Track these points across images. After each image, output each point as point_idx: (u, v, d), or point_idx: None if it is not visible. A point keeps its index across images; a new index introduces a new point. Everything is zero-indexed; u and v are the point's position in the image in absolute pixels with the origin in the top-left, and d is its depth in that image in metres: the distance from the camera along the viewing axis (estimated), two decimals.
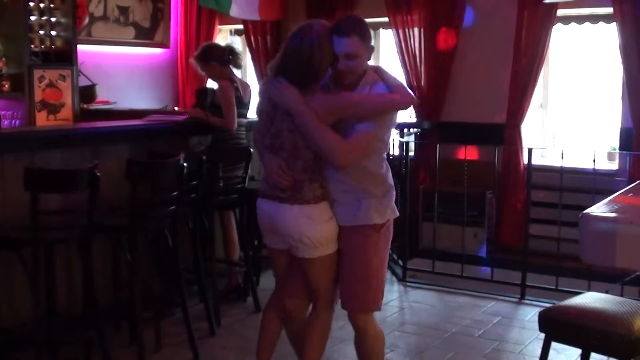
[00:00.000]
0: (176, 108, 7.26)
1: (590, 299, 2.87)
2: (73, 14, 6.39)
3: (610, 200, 2.58)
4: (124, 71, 7.40)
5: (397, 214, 3.08)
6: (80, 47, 6.51)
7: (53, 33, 6.29)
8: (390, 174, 3.05)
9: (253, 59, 7.56)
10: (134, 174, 3.55)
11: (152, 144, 4.32)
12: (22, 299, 3.61)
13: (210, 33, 7.76)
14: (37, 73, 6.13)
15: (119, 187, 3.66)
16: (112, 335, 3.95)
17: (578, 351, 3.18)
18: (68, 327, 3.86)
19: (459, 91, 6.43)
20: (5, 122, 5.87)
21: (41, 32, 6.22)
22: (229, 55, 4.71)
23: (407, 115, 6.94)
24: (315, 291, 3.05)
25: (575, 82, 6.54)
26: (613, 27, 5.69)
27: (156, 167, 3.77)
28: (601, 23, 5.96)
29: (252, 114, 4.57)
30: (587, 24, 6.07)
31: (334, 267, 3.02)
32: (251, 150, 4.48)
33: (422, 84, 6.49)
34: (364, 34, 2.86)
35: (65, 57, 6.33)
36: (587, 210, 2.37)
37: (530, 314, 4.62)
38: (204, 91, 4.96)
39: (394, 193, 3.07)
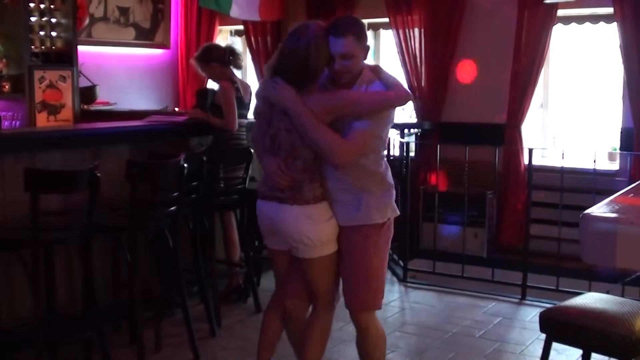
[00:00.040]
0: (176, 109, 7.26)
1: (591, 299, 2.87)
2: (73, 14, 6.39)
3: (610, 201, 2.58)
4: (124, 72, 7.41)
5: (398, 212, 3.08)
6: (80, 48, 6.51)
7: (53, 34, 6.29)
8: (389, 173, 3.05)
9: (253, 59, 7.57)
10: (134, 174, 3.55)
11: (152, 145, 4.32)
12: (22, 299, 3.61)
13: (210, 34, 7.76)
14: (38, 74, 6.13)
15: (119, 188, 3.66)
16: (112, 335, 3.95)
17: (579, 351, 3.18)
18: (68, 327, 3.86)
19: (459, 91, 6.43)
20: (6, 123, 5.87)
21: (41, 33, 6.22)
22: (230, 56, 4.71)
23: (407, 115, 6.95)
24: (315, 292, 3.05)
25: (576, 82, 6.54)
26: (613, 27, 5.69)
27: (156, 168, 3.78)
28: (602, 23, 5.96)
29: (252, 115, 4.57)
30: (587, 24, 6.06)
31: (334, 267, 3.02)
32: (252, 150, 4.47)
33: (423, 84, 6.49)
34: (359, 34, 2.87)
35: (65, 58, 6.33)
36: (587, 211, 2.37)
37: (531, 314, 4.62)
38: (204, 92, 4.96)
39: (394, 192, 3.07)
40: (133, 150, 4.24)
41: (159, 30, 7.75)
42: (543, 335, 2.83)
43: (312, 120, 2.83)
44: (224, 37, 8.16)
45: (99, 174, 3.37)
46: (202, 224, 4.46)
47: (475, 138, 5.98)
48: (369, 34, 7.18)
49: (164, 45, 7.81)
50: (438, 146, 5.66)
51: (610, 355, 2.84)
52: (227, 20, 7.53)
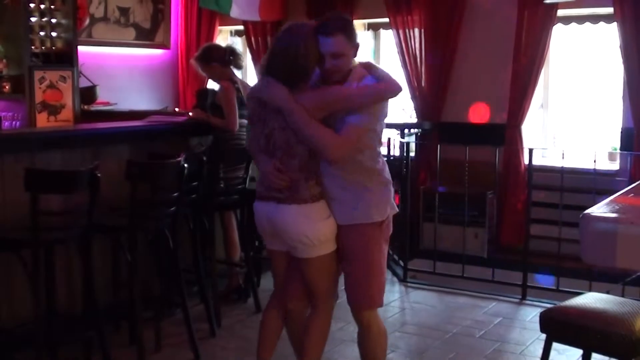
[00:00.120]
0: (177, 109, 7.26)
1: (591, 299, 2.86)
2: (73, 15, 6.39)
3: (611, 201, 2.58)
4: (124, 72, 7.41)
5: (397, 209, 3.09)
6: (80, 48, 6.51)
7: (53, 34, 6.29)
8: (387, 169, 3.05)
9: (253, 59, 7.56)
10: (134, 174, 3.55)
11: (152, 145, 4.32)
12: (22, 299, 3.61)
13: (210, 34, 7.76)
14: (38, 74, 6.13)
15: (119, 188, 3.66)
16: (112, 335, 3.95)
17: (579, 352, 3.18)
18: (68, 327, 3.86)
19: (459, 91, 6.42)
20: (6, 123, 5.87)
21: (42, 33, 6.22)
22: (230, 56, 4.71)
23: (407, 115, 6.94)
24: (314, 291, 3.05)
25: (576, 82, 6.53)
26: (613, 27, 5.68)
27: (156, 168, 3.78)
28: (602, 23, 5.96)
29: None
30: (587, 24, 6.06)
31: (333, 266, 3.03)
32: None
33: (423, 84, 6.49)
34: (349, 33, 2.88)
35: (65, 58, 6.33)
36: (587, 211, 2.37)
37: (531, 314, 4.61)
38: (204, 92, 4.96)
39: (392, 188, 3.07)
40: (133, 150, 4.24)
41: (159, 31, 7.75)
42: (543, 336, 2.83)
43: (305, 117, 2.84)
44: (224, 37, 8.16)
45: (99, 174, 3.37)
46: (202, 224, 4.46)
47: (475, 138, 5.99)
48: (369, 34, 7.19)
49: (164, 45, 7.81)
50: (438, 146, 5.66)
51: (610, 356, 2.84)
52: (227, 21, 7.53)
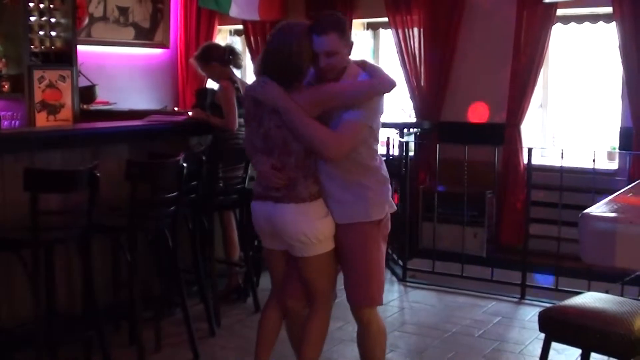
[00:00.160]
0: (176, 108, 7.26)
1: (590, 298, 2.87)
2: (73, 14, 6.39)
3: (610, 200, 2.58)
4: (123, 72, 7.40)
5: (395, 207, 3.09)
6: (80, 47, 6.51)
7: (53, 34, 6.29)
8: (384, 167, 3.06)
9: (253, 59, 7.54)
10: (134, 174, 3.56)
11: (152, 145, 4.32)
12: (22, 299, 3.61)
13: (209, 33, 7.76)
14: (37, 74, 6.13)
15: (118, 188, 3.66)
16: (112, 335, 3.95)
17: (578, 351, 3.18)
18: (68, 327, 3.86)
19: (458, 91, 6.43)
20: (5, 122, 5.87)
21: (41, 32, 6.22)
22: (229, 55, 4.71)
23: (407, 115, 6.94)
24: (312, 290, 3.05)
25: (575, 81, 6.53)
26: (613, 26, 5.68)
27: (156, 168, 3.78)
28: (601, 23, 5.96)
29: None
30: (586, 23, 6.06)
31: (331, 265, 3.03)
32: None
33: (422, 84, 6.49)
34: (342, 31, 2.89)
35: (65, 58, 6.33)
36: (587, 210, 2.36)
37: (530, 314, 4.62)
38: (203, 91, 4.97)
39: (390, 186, 3.07)
40: (133, 150, 4.24)
41: (159, 30, 7.75)
42: (542, 335, 2.83)
43: (302, 115, 2.85)
44: (224, 36, 8.16)
45: (98, 174, 3.37)
46: (202, 224, 4.46)
47: (474, 138, 5.99)
48: (368, 33, 7.20)
49: (163, 45, 7.81)
50: (437, 146, 5.66)
51: (609, 355, 2.84)
52: (227, 20, 7.53)
